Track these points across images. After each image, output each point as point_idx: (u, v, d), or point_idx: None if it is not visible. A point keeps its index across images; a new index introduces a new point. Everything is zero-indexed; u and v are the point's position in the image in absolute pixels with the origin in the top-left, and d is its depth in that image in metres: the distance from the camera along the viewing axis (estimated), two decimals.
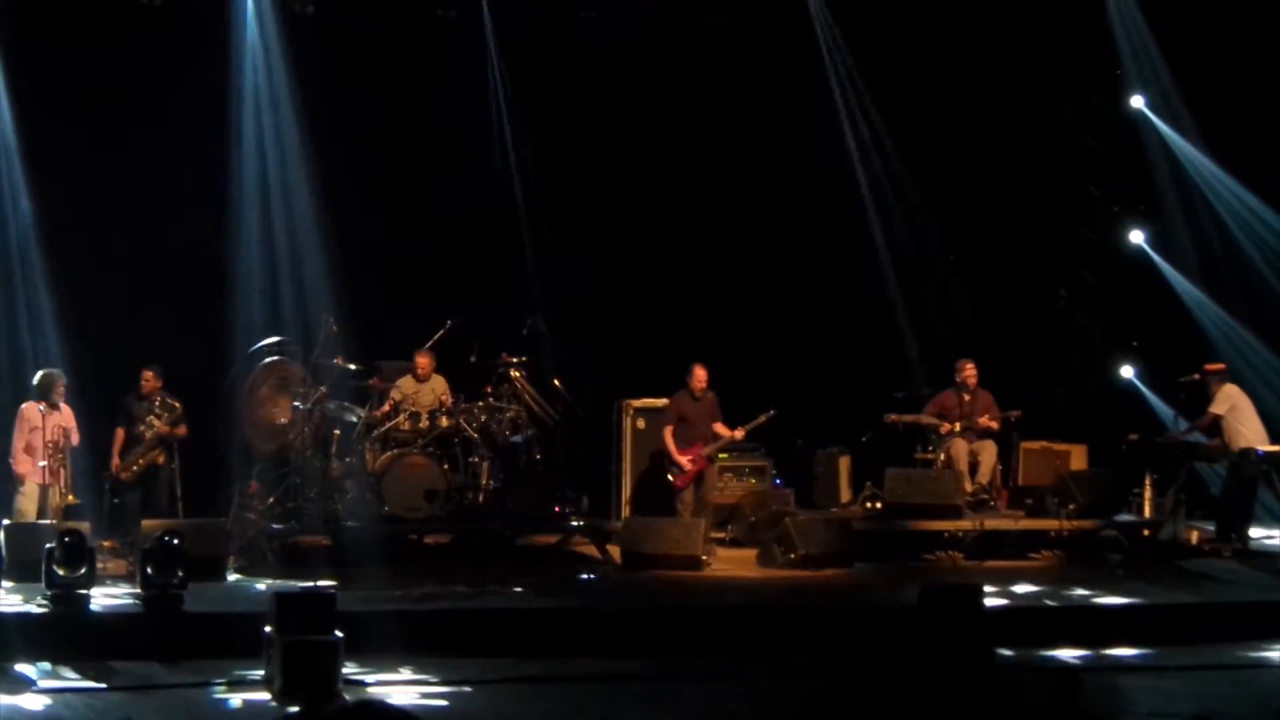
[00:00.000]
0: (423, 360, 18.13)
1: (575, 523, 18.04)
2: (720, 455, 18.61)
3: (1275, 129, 20.18)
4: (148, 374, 17.57)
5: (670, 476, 18.14)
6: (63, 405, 17.20)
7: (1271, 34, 20.11)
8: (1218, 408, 18.54)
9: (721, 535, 18.50)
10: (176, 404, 17.55)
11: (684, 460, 18.03)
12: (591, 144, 20.41)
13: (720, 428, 18.21)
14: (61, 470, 16.97)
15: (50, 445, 16.91)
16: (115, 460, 17.47)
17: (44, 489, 16.97)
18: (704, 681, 13.72)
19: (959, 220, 21.41)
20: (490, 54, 20.29)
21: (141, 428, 17.48)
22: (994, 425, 18.86)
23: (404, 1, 19.88)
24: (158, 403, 17.52)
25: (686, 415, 18.20)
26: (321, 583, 15.29)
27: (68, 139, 18.96)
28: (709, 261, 20.76)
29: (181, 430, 17.53)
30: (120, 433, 17.55)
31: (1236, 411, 18.54)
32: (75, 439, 17.24)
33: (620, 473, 19.18)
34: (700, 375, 18.21)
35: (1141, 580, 16.95)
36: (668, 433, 18.18)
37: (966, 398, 18.98)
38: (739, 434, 18.24)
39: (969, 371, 19.08)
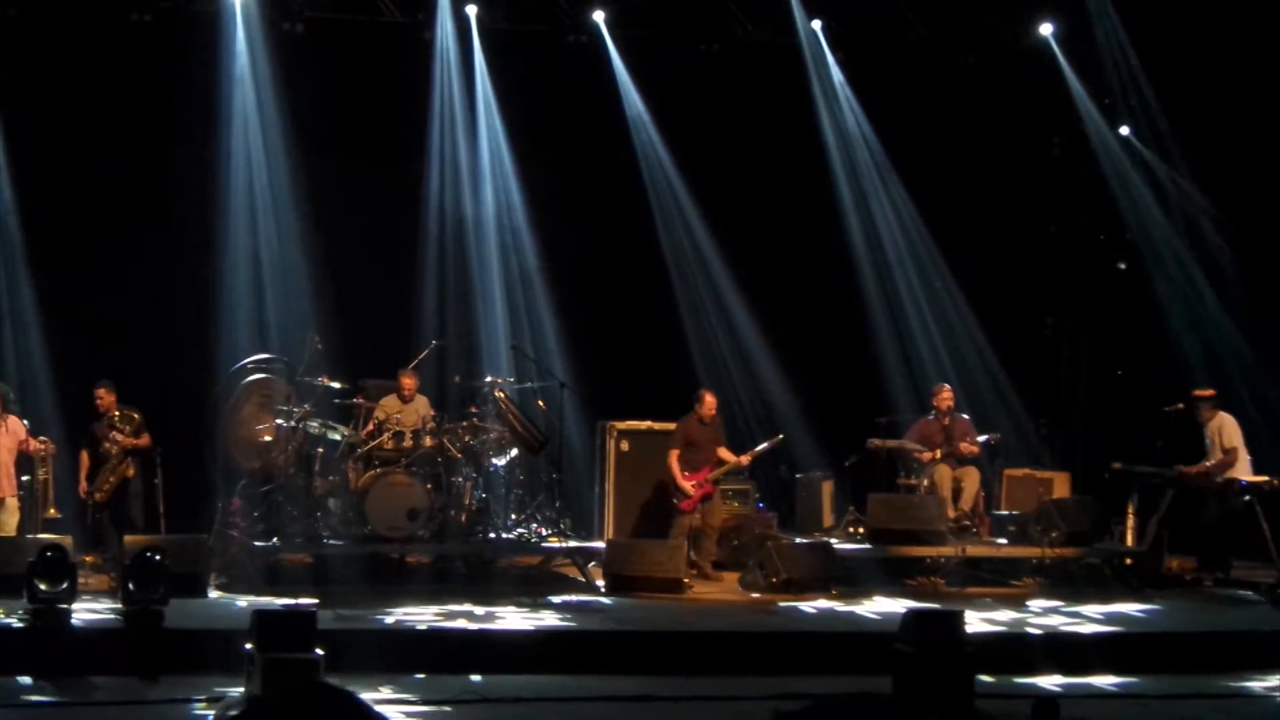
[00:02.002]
0: (407, 380, 18.12)
1: (557, 544, 18.03)
2: None
3: (1260, 157, 20.25)
4: (100, 391, 17.48)
5: (675, 500, 18.17)
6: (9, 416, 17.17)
7: (1255, 62, 20.19)
8: (1235, 440, 18.58)
9: (712, 557, 18.47)
10: (135, 414, 17.48)
11: (688, 486, 18.06)
12: (580, 165, 20.44)
13: (725, 453, 18.26)
14: (45, 483, 17.04)
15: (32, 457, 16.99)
16: (83, 485, 17.42)
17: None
18: (683, 703, 13.71)
19: (948, 248, 21.44)
20: (479, 77, 20.33)
21: (106, 445, 17.42)
22: (974, 449, 18.89)
23: (394, 21, 19.87)
24: (117, 416, 17.46)
25: (694, 440, 18.24)
26: (303, 600, 15.28)
27: (54, 158, 18.98)
28: (695, 284, 20.80)
29: (145, 440, 17.46)
30: (84, 456, 17.50)
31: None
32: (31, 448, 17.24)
33: (603, 494, 19.18)
34: (710, 402, 18.32)
35: (1123, 608, 16.97)
36: (674, 457, 18.20)
37: (945, 422, 19.01)
38: (745, 459, 18.33)
39: (945, 395, 19.14)
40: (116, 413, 17.46)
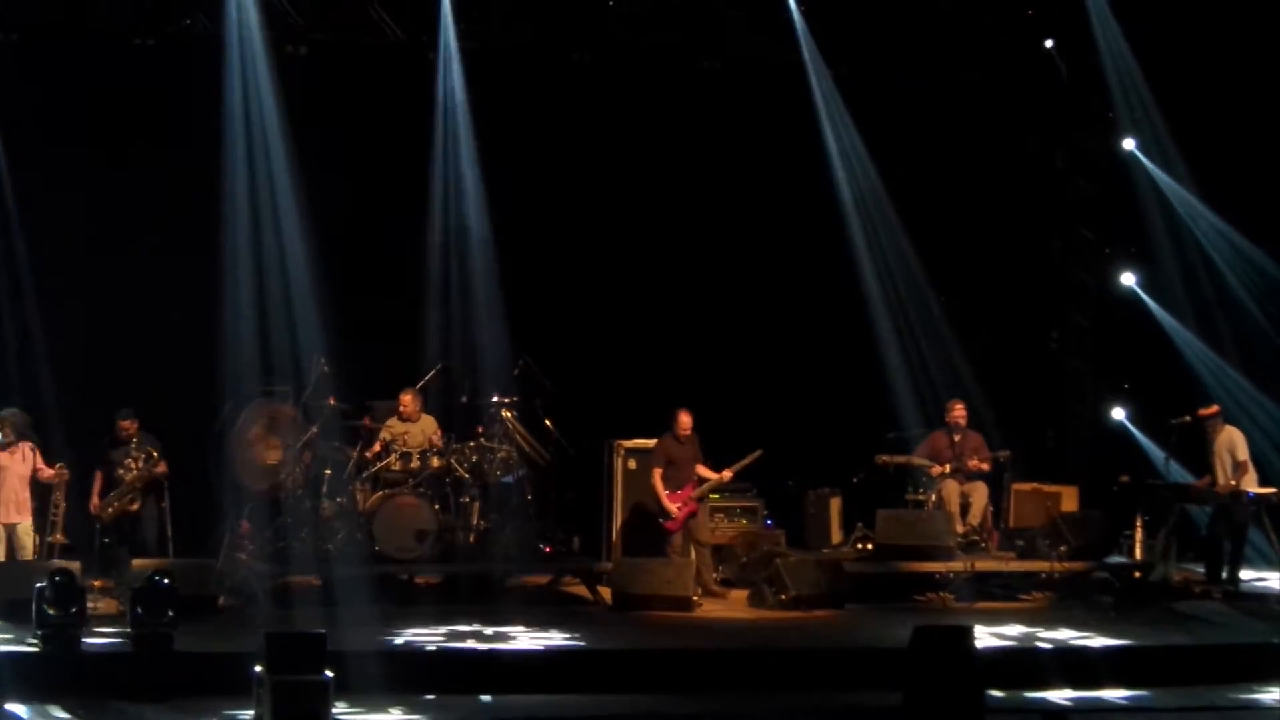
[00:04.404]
0: (406, 399, 18.11)
1: (566, 563, 18.02)
2: (712, 496, 18.59)
3: (1265, 170, 20.25)
4: (124, 424, 17.54)
5: (661, 521, 18.13)
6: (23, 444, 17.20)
7: (1261, 75, 20.20)
8: (1243, 454, 18.59)
9: (715, 575, 18.46)
10: (154, 451, 17.50)
11: (673, 506, 18.02)
12: (583, 184, 20.45)
13: (704, 470, 18.20)
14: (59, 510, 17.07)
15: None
16: (95, 500, 17.48)
17: None
18: None
19: (952, 263, 21.45)
20: (482, 97, 20.35)
21: (120, 471, 17.47)
22: (984, 466, 18.89)
23: (397, 43, 19.89)
24: (133, 445, 17.49)
25: (674, 458, 18.18)
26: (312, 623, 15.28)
27: (58, 181, 19.01)
28: (701, 302, 20.81)
29: (161, 468, 17.50)
30: (100, 475, 17.57)
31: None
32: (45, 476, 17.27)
33: (611, 513, 19.16)
34: (685, 421, 18.18)
35: (1132, 622, 16.94)
36: (657, 476, 18.16)
37: (957, 438, 19.01)
38: (727, 475, 18.24)
39: (958, 412, 19.12)
40: (134, 441, 17.50)
